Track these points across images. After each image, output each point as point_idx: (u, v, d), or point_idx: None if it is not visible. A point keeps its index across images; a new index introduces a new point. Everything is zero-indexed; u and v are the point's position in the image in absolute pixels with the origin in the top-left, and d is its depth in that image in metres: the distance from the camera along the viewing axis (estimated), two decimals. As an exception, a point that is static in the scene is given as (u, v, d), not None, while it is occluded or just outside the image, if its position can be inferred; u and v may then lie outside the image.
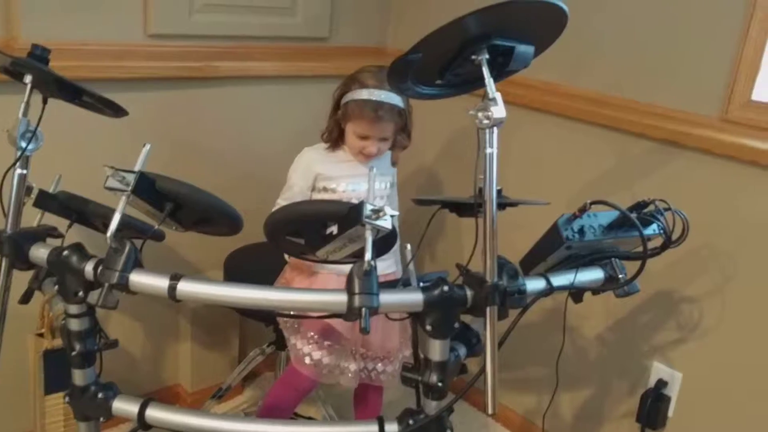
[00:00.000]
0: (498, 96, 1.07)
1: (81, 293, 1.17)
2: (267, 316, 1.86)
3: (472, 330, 1.24)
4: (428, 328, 1.14)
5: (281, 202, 1.71)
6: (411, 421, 1.21)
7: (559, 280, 1.27)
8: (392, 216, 1.08)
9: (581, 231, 1.27)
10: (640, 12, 1.78)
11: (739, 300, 1.68)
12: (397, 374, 1.70)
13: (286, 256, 1.78)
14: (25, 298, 1.36)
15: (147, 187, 1.16)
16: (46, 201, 1.36)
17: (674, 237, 1.33)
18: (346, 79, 1.69)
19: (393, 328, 1.72)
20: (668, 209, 1.34)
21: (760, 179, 1.59)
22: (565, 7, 1.06)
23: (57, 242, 1.29)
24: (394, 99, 1.63)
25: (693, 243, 1.44)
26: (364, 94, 1.62)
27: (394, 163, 1.81)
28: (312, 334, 1.68)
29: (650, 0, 1.76)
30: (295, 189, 1.71)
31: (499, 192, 1.14)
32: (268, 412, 1.83)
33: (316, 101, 2.20)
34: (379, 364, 1.74)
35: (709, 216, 1.67)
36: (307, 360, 1.68)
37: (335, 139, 1.72)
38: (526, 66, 1.13)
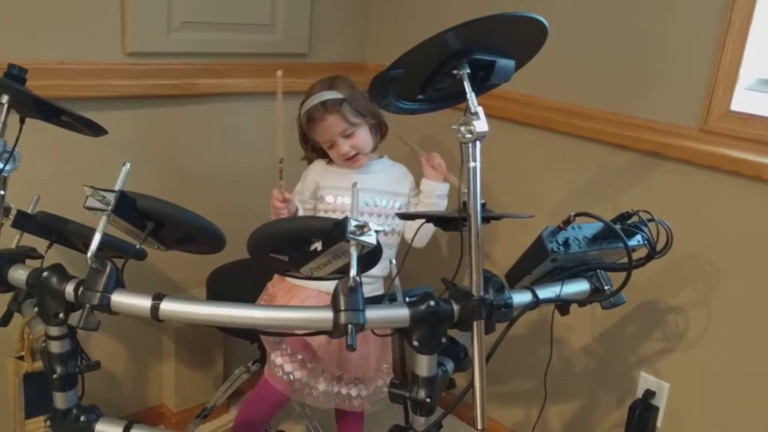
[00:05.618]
0: (480, 110, 1.07)
1: (61, 315, 1.15)
2: (251, 334, 1.84)
3: (459, 344, 1.23)
4: (415, 343, 1.14)
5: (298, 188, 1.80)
6: (399, 438, 1.20)
7: (545, 292, 1.27)
8: (377, 231, 1.08)
9: (566, 243, 1.28)
10: (620, 25, 1.80)
11: (725, 309, 1.68)
12: (370, 399, 1.72)
13: None
14: (4, 321, 1.34)
15: (128, 207, 1.15)
16: (24, 221, 1.35)
17: (658, 247, 1.33)
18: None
19: (370, 351, 1.71)
20: (652, 220, 1.34)
21: (741, 188, 1.60)
22: (545, 21, 1.07)
23: (36, 263, 1.27)
24: (327, 94, 1.67)
25: (677, 253, 1.45)
26: (304, 106, 1.71)
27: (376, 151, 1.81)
28: (285, 346, 1.67)
29: (630, 14, 1.78)
30: (304, 190, 1.79)
31: (483, 206, 1.13)
32: (241, 427, 1.81)
33: (295, 118, 2.20)
34: (353, 389, 1.72)
35: (692, 226, 1.68)
36: (278, 372, 1.67)
37: (311, 157, 1.81)
38: (508, 80, 1.13)
